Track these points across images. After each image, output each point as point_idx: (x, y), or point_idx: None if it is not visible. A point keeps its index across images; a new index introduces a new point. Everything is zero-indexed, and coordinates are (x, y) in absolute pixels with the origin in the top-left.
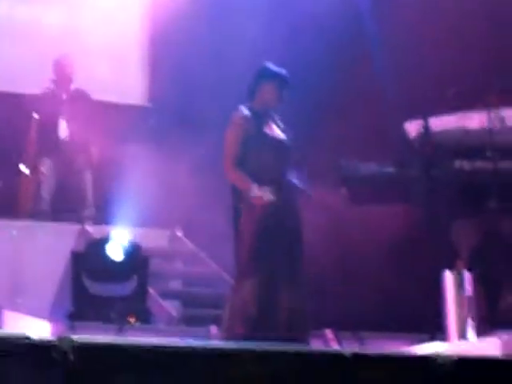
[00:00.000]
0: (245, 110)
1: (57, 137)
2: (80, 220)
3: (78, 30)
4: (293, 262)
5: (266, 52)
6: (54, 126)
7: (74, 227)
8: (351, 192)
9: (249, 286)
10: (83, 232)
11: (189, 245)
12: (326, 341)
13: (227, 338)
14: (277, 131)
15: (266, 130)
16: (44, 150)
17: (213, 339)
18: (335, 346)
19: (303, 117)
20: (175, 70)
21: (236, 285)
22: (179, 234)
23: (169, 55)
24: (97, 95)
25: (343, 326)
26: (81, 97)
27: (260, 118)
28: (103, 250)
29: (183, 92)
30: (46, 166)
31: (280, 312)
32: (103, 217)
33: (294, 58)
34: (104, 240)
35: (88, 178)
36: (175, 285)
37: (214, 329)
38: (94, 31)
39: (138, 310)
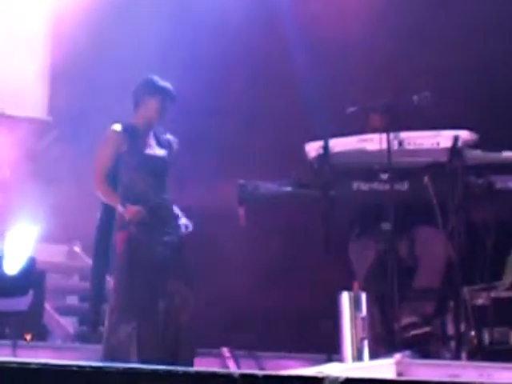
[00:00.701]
0: (117, 125)
1: None
2: None
3: None
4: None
5: (171, 57)
6: None
7: None
8: (249, 211)
9: (125, 331)
10: None
11: (86, 260)
12: (222, 359)
13: None
14: (156, 149)
15: (142, 147)
16: None
17: None
18: (232, 365)
19: (204, 132)
20: (77, 82)
21: (110, 325)
22: (77, 249)
23: (70, 65)
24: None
25: (240, 344)
26: None
27: (136, 133)
28: None
29: (85, 104)
30: None
31: (164, 342)
32: None
33: (196, 65)
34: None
35: None
36: (72, 300)
37: None
38: None
39: (34, 325)
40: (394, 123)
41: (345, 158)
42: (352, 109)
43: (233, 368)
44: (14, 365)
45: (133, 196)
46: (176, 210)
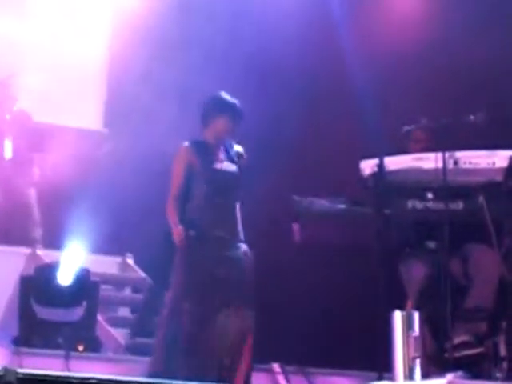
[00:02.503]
0: (187, 143)
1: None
2: (28, 242)
3: (26, 45)
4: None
5: (225, 81)
6: None
7: (24, 250)
8: (303, 228)
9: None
10: (33, 256)
11: (139, 272)
12: (273, 375)
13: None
14: (226, 163)
15: (213, 163)
16: None
17: None
18: (282, 381)
19: (258, 150)
20: (132, 97)
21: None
22: (130, 261)
23: (126, 82)
24: (48, 117)
25: (291, 360)
26: (24, 117)
27: (207, 150)
28: (53, 274)
29: (139, 119)
30: None
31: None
32: (54, 241)
33: (251, 89)
34: (54, 265)
35: (33, 198)
36: (124, 312)
37: None
38: (43, 49)
39: (87, 337)
40: (449, 142)
41: (400, 176)
42: (408, 127)
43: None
44: (75, 380)
45: (199, 213)
46: (239, 229)
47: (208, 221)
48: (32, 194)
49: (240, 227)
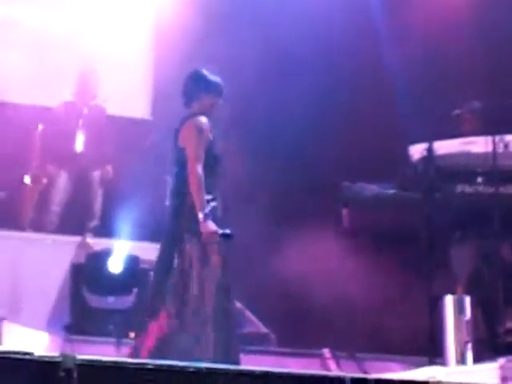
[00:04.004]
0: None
1: (73, 150)
2: (83, 233)
3: (83, 41)
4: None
5: (267, 75)
6: (71, 139)
7: (75, 239)
8: (352, 213)
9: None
10: (84, 244)
11: None
12: (323, 360)
13: None
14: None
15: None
16: (57, 163)
17: None
18: (333, 366)
19: (306, 136)
20: (178, 84)
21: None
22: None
23: (172, 67)
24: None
25: (341, 346)
26: (99, 112)
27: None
28: (103, 262)
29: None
30: (60, 178)
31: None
32: (104, 229)
33: (296, 76)
34: (104, 253)
35: (99, 193)
36: None
37: None
38: (99, 42)
39: (138, 324)
40: (499, 125)
41: (449, 161)
42: (457, 111)
43: (334, 369)
44: (132, 365)
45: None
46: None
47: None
48: (100, 190)
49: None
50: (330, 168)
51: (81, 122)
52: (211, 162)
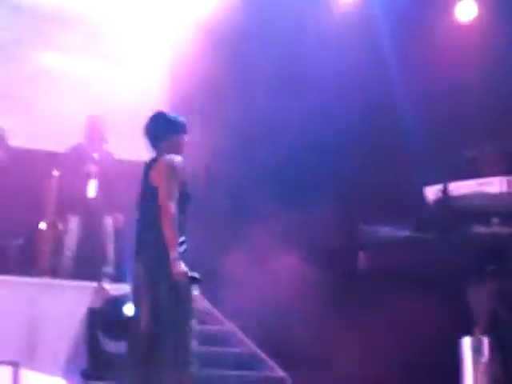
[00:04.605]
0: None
1: (85, 196)
2: (99, 278)
3: (95, 87)
4: None
5: (281, 110)
6: (83, 185)
7: (92, 284)
8: (368, 256)
9: None
10: (100, 289)
11: (204, 303)
12: None
13: None
14: None
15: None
16: (71, 208)
17: None
18: None
19: (323, 180)
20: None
21: None
22: (196, 292)
23: (187, 106)
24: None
25: None
26: (109, 157)
27: None
28: (120, 307)
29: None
30: (72, 224)
31: None
32: (120, 274)
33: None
34: (121, 298)
35: (112, 239)
36: None
37: None
38: (112, 89)
39: None
40: None
41: (464, 202)
42: (471, 152)
43: None
44: None
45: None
46: None
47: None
48: (112, 236)
49: None
50: (345, 211)
51: (92, 167)
52: (184, 200)
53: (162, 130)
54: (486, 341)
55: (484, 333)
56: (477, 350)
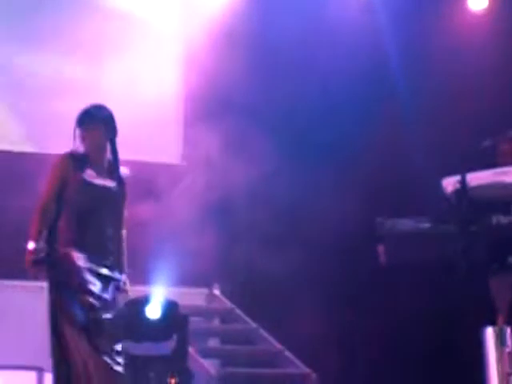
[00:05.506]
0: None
1: None
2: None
3: (104, 87)
4: None
5: (298, 111)
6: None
7: None
8: (388, 249)
9: None
10: (121, 292)
11: (226, 303)
12: None
13: None
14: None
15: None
16: None
17: None
18: None
19: (339, 172)
20: (211, 129)
21: None
22: (216, 292)
23: (203, 112)
24: (130, 154)
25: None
26: None
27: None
28: (141, 309)
29: (218, 151)
30: None
31: None
32: (140, 276)
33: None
34: (142, 299)
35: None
36: (213, 343)
37: None
38: (120, 89)
39: (179, 369)
40: None
41: (482, 192)
42: (487, 142)
43: None
44: None
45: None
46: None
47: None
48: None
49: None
50: (364, 204)
51: None
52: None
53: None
54: (508, 330)
55: (507, 322)
56: (500, 340)
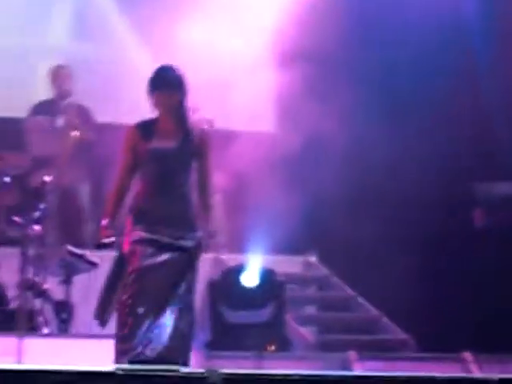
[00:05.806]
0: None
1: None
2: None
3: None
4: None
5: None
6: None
7: (208, 256)
8: (486, 213)
9: None
10: (218, 261)
11: (323, 270)
12: (465, 364)
13: None
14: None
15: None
16: None
17: (350, 365)
18: (475, 370)
19: (433, 138)
20: (302, 97)
21: None
22: (313, 259)
23: (297, 79)
24: (223, 123)
25: (482, 348)
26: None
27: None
28: (239, 278)
29: (311, 119)
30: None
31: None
32: (237, 245)
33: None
34: (239, 268)
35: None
36: (310, 310)
37: (352, 354)
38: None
39: (276, 336)
40: None
41: None
42: None
43: (476, 373)
44: (279, 376)
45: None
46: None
47: None
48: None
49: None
50: (457, 168)
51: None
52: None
53: None
54: None
55: None
56: None
